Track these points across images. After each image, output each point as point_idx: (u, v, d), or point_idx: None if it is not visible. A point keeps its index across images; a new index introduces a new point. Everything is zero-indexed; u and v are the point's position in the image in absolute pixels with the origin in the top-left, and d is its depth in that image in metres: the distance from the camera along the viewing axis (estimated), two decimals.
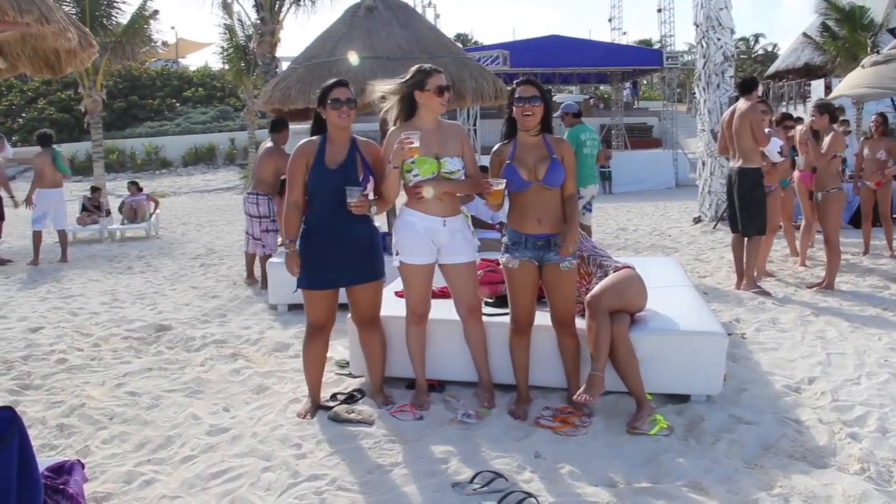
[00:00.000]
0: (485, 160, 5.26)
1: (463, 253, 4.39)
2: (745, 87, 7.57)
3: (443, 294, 4.98)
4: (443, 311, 4.68)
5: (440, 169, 4.24)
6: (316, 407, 4.46)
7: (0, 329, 7.01)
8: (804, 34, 27.24)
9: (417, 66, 4.38)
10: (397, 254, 4.39)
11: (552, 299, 4.28)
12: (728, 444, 3.83)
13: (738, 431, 4.01)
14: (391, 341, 4.68)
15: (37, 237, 11.46)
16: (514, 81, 4.22)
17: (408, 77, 4.33)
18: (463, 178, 4.34)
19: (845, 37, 21.95)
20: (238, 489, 3.50)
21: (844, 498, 3.28)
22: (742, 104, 7.40)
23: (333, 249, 4.19)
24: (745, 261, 7.58)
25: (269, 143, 8.75)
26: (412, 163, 4.16)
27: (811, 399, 4.55)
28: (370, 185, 4.19)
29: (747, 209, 7.39)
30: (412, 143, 3.98)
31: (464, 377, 4.70)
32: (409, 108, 4.34)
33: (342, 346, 5.65)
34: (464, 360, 4.60)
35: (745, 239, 7.52)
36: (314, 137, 4.26)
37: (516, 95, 4.12)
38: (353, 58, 9.56)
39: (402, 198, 4.47)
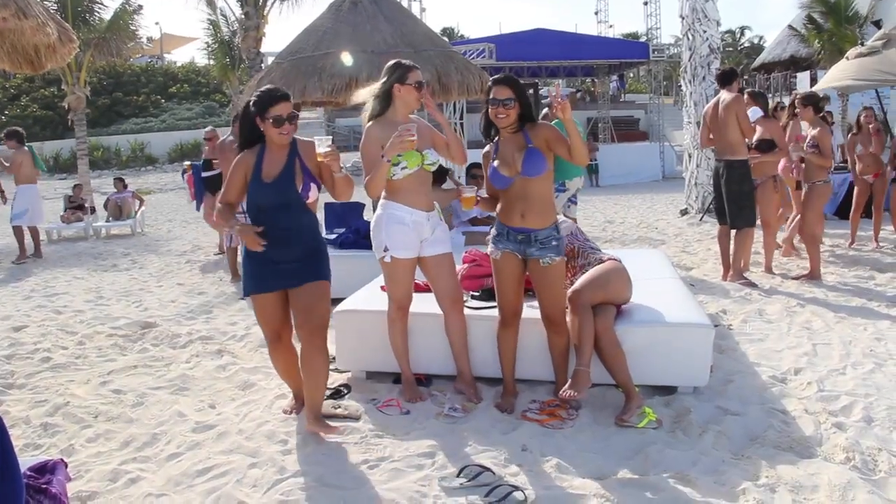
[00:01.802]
0: (472, 155, 5.26)
1: (443, 243, 4.42)
2: (725, 78, 7.56)
3: (426, 288, 4.97)
4: (427, 304, 4.66)
5: (423, 161, 4.24)
6: (301, 402, 4.32)
7: None
8: (790, 27, 27.26)
9: (396, 60, 4.38)
10: (385, 249, 4.35)
11: (538, 296, 4.27)
12: (715, 436, 3.84)
13: (725, 423, 4.01)
14: (374, 336, 4.66)
15: (19, 232, 11.54)
16: (491, 79, 4.19)
17: (388, 73, 4.31)
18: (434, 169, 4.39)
19: (830, 29, 22.00)
20: (224, 486, 3.48)
21: (830, 487, 3.28)
22: (726, 96, 7.40)
23: (275, 254, 3.93)
24: (732, 253, 7.59)
25: (230, 137, 8.82)
26: (400, 156, 4.14)
27: (797, 389, 4.56)
28: (312, 192, 4.00)
29: (736, 202, 7.39)
30: (413, 135, 3.94)
31: (450, 371, 4.68)
32: (385, 104, 4.33)
33: (328, 341, 5.61)
34: (448, 353, 4.59)
35: (734, 231, 7.54)
36: (251, 149, 4.04)
37: (490, 96, 4.10)
38: (347, 58, 9.53)
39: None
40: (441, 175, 7.96)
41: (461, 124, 17.88)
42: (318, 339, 3.98)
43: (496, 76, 4.21)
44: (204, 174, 11.16)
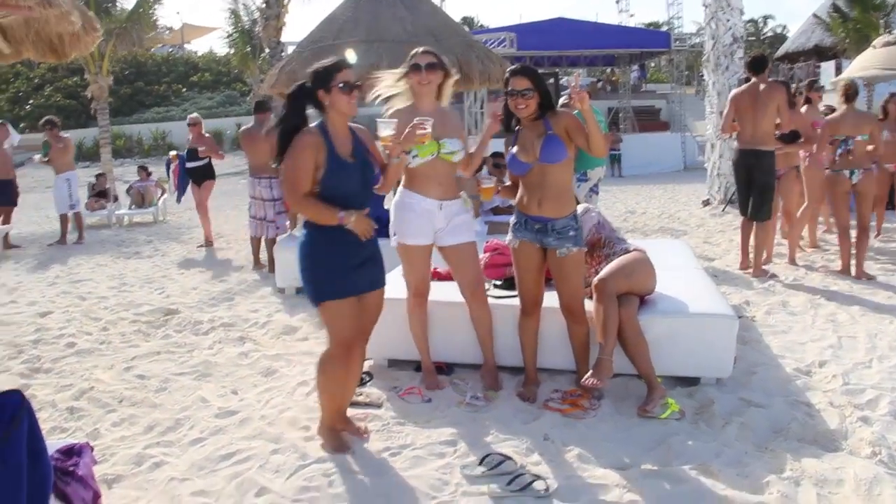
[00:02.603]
0: (495, 144, 5.24)
1: (459, 234, 4.38)
2: (757, 65, 7.38)
3: (449, 276, 4.97)
4: (449, 293, 4.65)
5: (440, 150, 4.22)
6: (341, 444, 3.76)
7: (10, 313, 7.03)
8: (814, 15, 26.97)
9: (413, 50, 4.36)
10: (395, 234, 4.39)
11: (556, 286, 4.26)
12: (738, 427, 3.82)
13: (748, 414, 3.99)
14: (396, 323, 4.66)
15: (67, 220, 12.19)
16: (508, 70, 4.16)
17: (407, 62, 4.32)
18: (461, 159, 4.35)
19: (856, 18, 21.72)
20: (247, 471, 3.50)
21: (856, 482, 3.26)
22: (763, 84, 7.23)
23: (353, 251, 3.60)
24: (755, 245, 7.51)
25: (252, 125, 8.87)
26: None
27: (822, 382, 4.52)
28: (381, 178, 3.86)
29: (763, 193, 7.30)
30: (425, 129, 3.81)
31: (471, 359, 4.68)
32: (410, 91, 4.34)
33: None
34: (471, 342, 4.59)
35: (755, 224, 7.46)
36: (311, 128, 3.57)
37: (509, 87, 4.08)
38: (352, 55, 9.53)
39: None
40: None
41: (482, 113, 17.84)
42: (364, 348, 3.95)
43: (512, 67, 4.18)
44: (189, 164, 11.08)
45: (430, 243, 4.40)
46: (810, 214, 8.55)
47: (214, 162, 10.94)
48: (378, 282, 3.79)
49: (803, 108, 8.56)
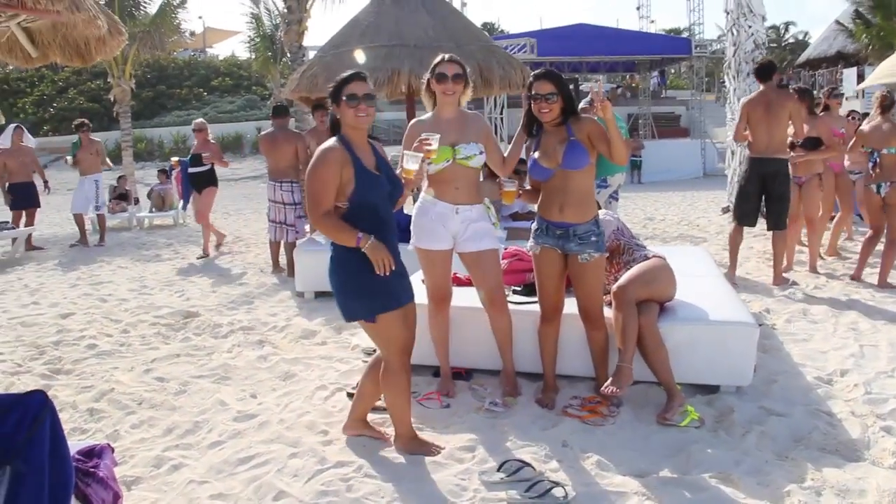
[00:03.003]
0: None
1: (480, 241, 4.35)
2: (765, 72, 7.28)
3: (468, 282, 4.96)
4: (468, 298, 4.65)
5: (455, 155, 4.23)
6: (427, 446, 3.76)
7: (32, 314, 7.10)
8: (837, 22, 26.82)
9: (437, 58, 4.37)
10: (413, 238, 4.42)
11: (576, 292, 4.25)
12: (758, 436, 3.79)
13: (769, 423, 3.96)
14: (417, 329, 4.64)
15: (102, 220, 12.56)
16: (532, 74, 4.17)
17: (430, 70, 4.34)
18: (480, 163, 4.34)
19: (879, 24, 21.58)
20: (265, 475, 3.51)
21: (878, 492, 3.23)
22: (777, 93, 7.16)
23: (395, 261, 3.49)
24: (775, 254, 7.43)
25: (271, 129, 8.91)
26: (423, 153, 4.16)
27: (843, 391, 4.48)
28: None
29: (782, 202, 7.21)
30: (430, 144, 3.85)
31: (490, 365, 4.68)
32: (430, 101, 4.38)
33: None
34: (490, 348, 4.57)
35: (774, 233, 7.36)
36: (332, 142, 3.51)
37: (532, 92, 4.07)
38: (360, 56, 9.57)
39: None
40: None
41: (501, 119, 17.84)
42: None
43: (537, 71, 4.17)
44: (191, 170, 10.79)
45: (448, 248, 4.39)
46: (842, 222, 8.50)
47: (218, 170, 10.76)
48: (413, 294, 3.73)
49: (820, 115, 8.49)
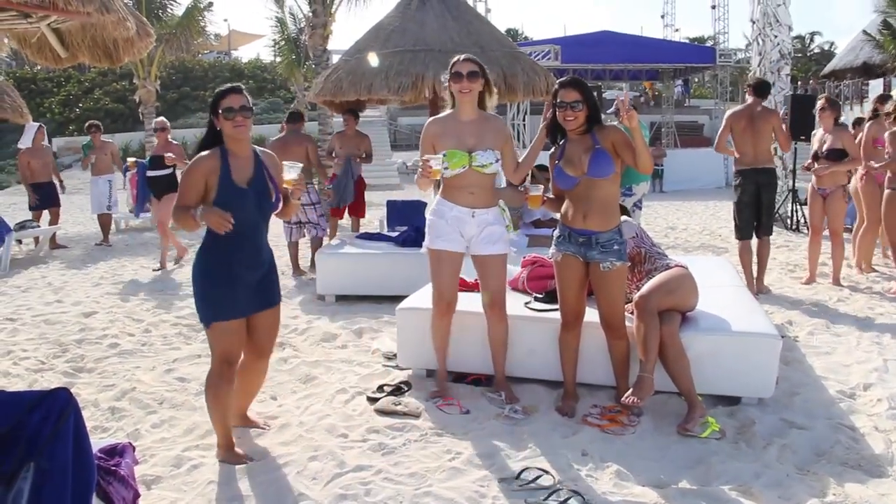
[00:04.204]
0: (544, 156, 5.25)
1: (489, 245, 4.39)
2: (762, 90, 7.56)
3: (477, 287, 4.96)
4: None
5: (471, 163, 4.25)
6: (240, 458, 3.77)
7: (56, 313, 7.17)
8: (864, 32, 26.55)
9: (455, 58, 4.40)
10: (427, 240, 4.46)
11: (598, 300, 4.24)
12: (779, 449, 3.76)
13: (791, 436, 3.92)
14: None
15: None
16: (557, 82, 4.17)
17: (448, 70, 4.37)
18: (496, 171, 4.37)
19: None
20: (284, 477, 3.52)
21: None
22: (760, 107, 7.39)
23: (245, 273, 3.67)
24: (760, 260, 7.57)
25: (284, 134, 9.11)
26: (443, 156, 4.22)
27: (867, 406, 4.43)
28: (280, 205, 3.83)
29: (770, 210, 7.51)
30: (430, 167, 4.07)
31: (511, 372, 4.66)
32: (453, 99, 4.40)
33: (390, 337, 5.67)
34: (509, 354, 4.59)
35: (759, 240, 7.54)
36: (211, 150, 3.65)
37: (558, 99, 4.07)
38: (374, 59, 9.61)
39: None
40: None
41: (524, 124, 17.83)
42: (267, 362, 4.09)
43: (562, 79, 4.18)
44: (150, 173, 10.14)
45: (460, 251, 4.41)
46: (871, 236, 8.42)
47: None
48: (269, 302, 3.84)
49: (868, 123, 8.40)
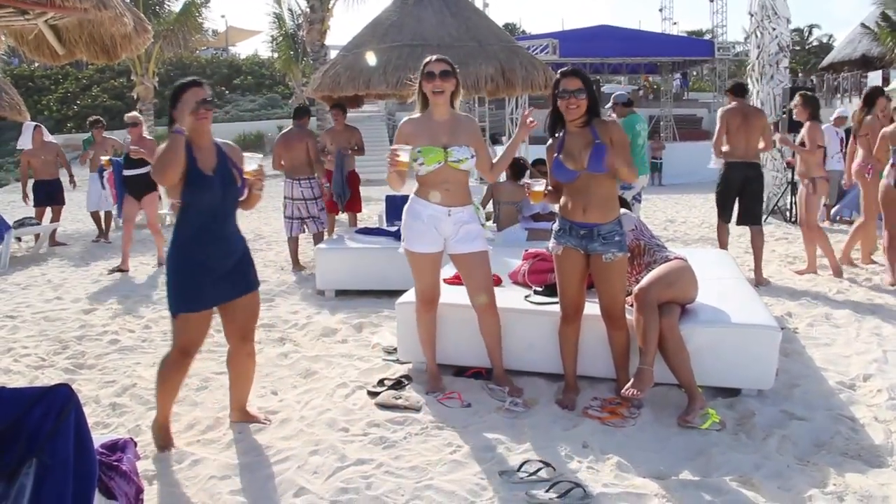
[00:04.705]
0: (536, 150, 5.25)
1: (467, 243, 4.39)
2: (741, 91, 8.09)
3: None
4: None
5: (447, 158, 4.26)
6: (169, 440, 3.91)
7: (56, 309, 7.17)
8: (862, 24, 26.57)
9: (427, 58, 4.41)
10: (402, 240, 4.46)
11: (599, 291, 4.25)
12: (779, 440, 3.77)
13: (790, 427, 3.93)
14: (443, 329, 4.70)
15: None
16: (559, 72, 4.18)
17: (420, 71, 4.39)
18: (471, 167, 4.39)
19: None
20: (285, 471, 3.53)
21: None
22: (749, 107, 7.90)
23: (214, 263, 3.75)
24: (756, 250, 7.79)
25: (290, 129, 9.04)
26: (419, 152, 4.23)
27: (866, 396, 4.44)
28: (246, 192, 3.91)
29: (758, 201, 7.87)
30: (398, 156, 4.08)
31: (510, 365, 4.67)
32: (423, 100, 4.42)
33: (390, 331, 5.68)
34: (509, 348, 4.60)
35: (751, 231, 7.83)
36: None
37: (560, 88, 4.07)
38: (372, 58, 9.61)
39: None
40: (521, 169, 8.01)
41: None
42: (252, 345, 4.13)
43: (564, 68, 4.19)
44: (127, 172, 9.50)
45: (438, 251, 4.42)
46: (865, 229, 8.43)
47: None
48: (244, 289, 3.92)
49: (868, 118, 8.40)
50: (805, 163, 7.91)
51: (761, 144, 7.66)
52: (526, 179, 4.35)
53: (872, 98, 8.49)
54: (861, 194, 8.44)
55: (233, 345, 4.05)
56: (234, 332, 4.00)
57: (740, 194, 7.77)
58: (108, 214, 12.44)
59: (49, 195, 11.82)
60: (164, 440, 3.88)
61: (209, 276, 3.74)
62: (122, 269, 9.20)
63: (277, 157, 8.97)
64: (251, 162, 3.83)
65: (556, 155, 4.18)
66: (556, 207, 4.38)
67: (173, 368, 3.85)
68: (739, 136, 7.65)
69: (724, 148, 7.74)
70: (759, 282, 7.54)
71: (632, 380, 4.05)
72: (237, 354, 4.07)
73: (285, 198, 8.98)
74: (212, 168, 3.73)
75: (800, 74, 35.67)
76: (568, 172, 4.10)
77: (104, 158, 10.66)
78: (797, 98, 8.05)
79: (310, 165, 8.83)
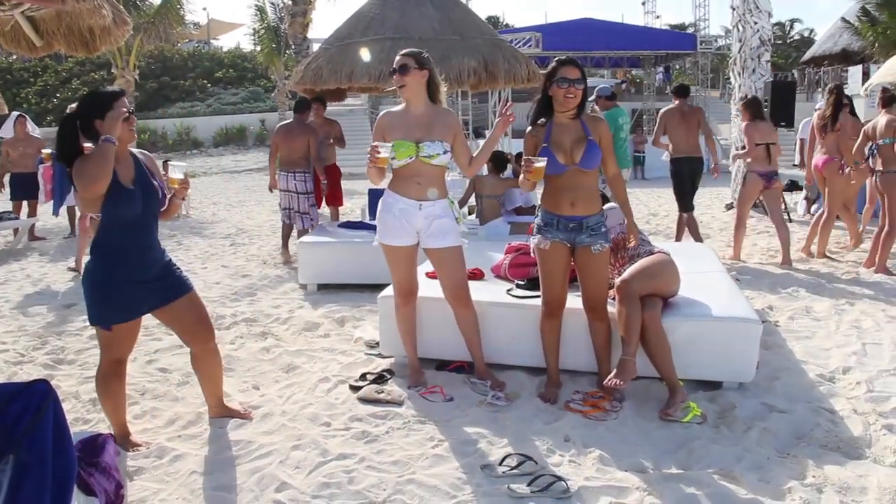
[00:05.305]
0: (518, 144, 5.25)
1: (440, 238, 4.36)
2: (683, 91, 8.92)
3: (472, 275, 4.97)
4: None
5: (418, 153, 4.24)
6: (135, 444, 3.87)
7: (35, 304, 7.11)
8: (843, 19, 26.70)
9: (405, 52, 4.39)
10: (377, 233, 4.46)
11: (584, 282, 4.25)
12: (760, 433, 3.79)
13: (771, 420, 3.96)
14: (418, 322, 4.70)
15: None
16: (555, 60, 4.15)
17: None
18: (444, 162, 4.35)
19: (886, 22, 21.45)
20: (267, 466, 3.52)
21: (880, 490, 3.23)
22: (688, 107, 8.73)
23: (138, 275, 3.64)
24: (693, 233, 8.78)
25: (290, 122, 9.03)
26: (391, 146, 4.21)
27: (846, 389, 4.48)
28: (167, 202, 3.82)
29: (695, 190, 8.82)
30: (378, 153, 4.06)
31: (492, 359, 4.68)
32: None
33: (372, 326, 5.67)
34: (491, 342, 4.61)
35: (690, 214, 8.82)
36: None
37: (559, 76, 4.06)
38: (366, 54, 9.58)
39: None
40: (503, 163, 8.01)
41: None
42: (213, 343, 4.02)
43: (562, 57, 4.18)
44: None
45: (412, 244, 4.41)
46: (830, 222, 8.56)
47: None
48: (174, 294, 3.80)
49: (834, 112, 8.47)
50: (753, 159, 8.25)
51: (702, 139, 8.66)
52: (530, 157, 4.18)
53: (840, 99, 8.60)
54: (827, 190, 8.61)
55: (192, 347, 3.97)
56: (185, 335, 3.94)
57: (692, 184, 8.71)
58: (70, 209, 12.07)
59: (24, 189, 11.62)
60: (131, 445, 3.82)
61: (130, 286, 3.62)
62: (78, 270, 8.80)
63: (275, 147, 8.95)
64: (176, 171, 3.79)
65: (543, 144, 4.15)
66: (538, 199, 4.37)
67: (111, 379, 3.78)
68: (679, 133, 8.57)
69: (669, 145, 8.65)
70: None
71: (614, 370, 4.06)
72: (198, 355, 3.99)
73: (279, 189, 9.01)
74: (131, 180, 3.58)
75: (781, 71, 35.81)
76: (557, 165, 4.09)
77: (45, 152, 10.36)
78: (740, 102, 8.59)
79: (306, 160, 8.82)
